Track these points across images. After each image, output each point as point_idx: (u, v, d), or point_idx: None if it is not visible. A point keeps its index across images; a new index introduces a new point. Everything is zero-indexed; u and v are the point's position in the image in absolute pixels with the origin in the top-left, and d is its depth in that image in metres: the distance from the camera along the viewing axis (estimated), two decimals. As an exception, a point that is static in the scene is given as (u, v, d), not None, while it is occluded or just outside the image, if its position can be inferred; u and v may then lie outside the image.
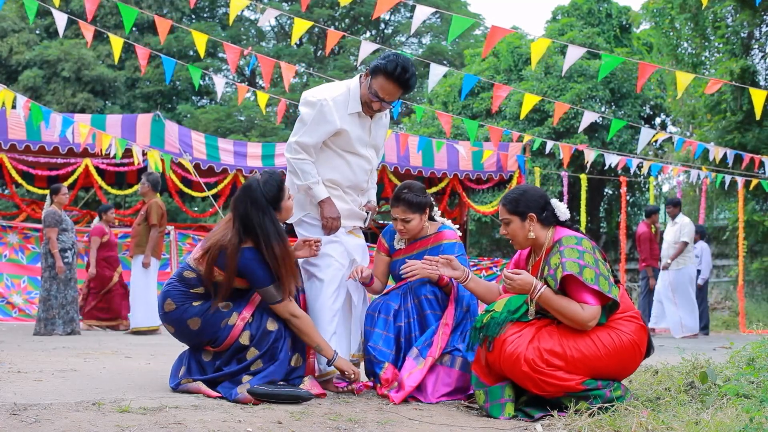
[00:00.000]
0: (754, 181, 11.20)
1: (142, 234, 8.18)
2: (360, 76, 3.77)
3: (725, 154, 9.87)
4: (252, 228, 3.42)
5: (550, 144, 10.28)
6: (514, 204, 3.38)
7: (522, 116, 8.61)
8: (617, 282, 3.29)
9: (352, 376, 3.54)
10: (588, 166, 10.88)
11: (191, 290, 3.46)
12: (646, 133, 8.76)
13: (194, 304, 3.44)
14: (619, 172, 15.38)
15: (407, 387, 3.46)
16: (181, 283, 3.48)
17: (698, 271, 10.89)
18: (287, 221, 3.70)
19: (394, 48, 26.14)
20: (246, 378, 3.34)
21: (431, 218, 3.92)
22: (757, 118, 7.40)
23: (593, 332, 3.18)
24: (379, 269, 3.93)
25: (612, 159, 10.82)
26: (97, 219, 9.26)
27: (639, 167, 11.00)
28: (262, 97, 8.83)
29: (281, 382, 3.37)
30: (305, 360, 3.57)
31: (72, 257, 7.96)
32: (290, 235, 3.61)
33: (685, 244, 9.78)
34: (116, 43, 7.20)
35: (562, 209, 3.39)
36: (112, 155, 8.95)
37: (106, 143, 8.56)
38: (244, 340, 3.40)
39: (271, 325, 3.43)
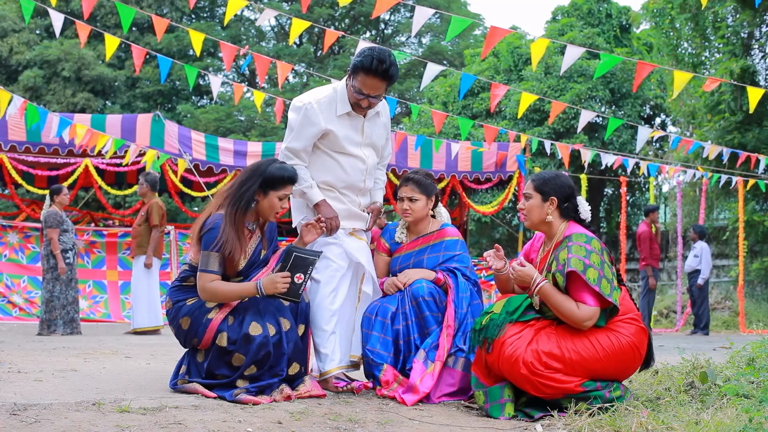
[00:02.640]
0: (751, 181, 11.22)
1: (143, 234, 8.19)
2: (345, 78, 3.78)
3: (721, 152, 9.90)
4: (232, 187, 3.44)
5: (547, 144, 10.29)
6: (542, 182, 3.39)
7: (519, 115, 8.60)
8: (621, 284, 3.29)
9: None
10: (585, 165, 10.88)
11: (184, 283, 3.47)
12: (643, 132, 8.77)
13: (188, 302, 3.42)
14: (620, 172, 15.38)
15: (421, 391, 3.45)
16: (178, 279, 3.52)
17: (698, 271, 10.89)
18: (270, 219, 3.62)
19: (394, 48, 26.14)
20: (240, 383, 3.30)
21: (433, 216, 3.94)
22: (750, 111, 7.42)
23: (592, 334, 3.18)
24: (379, 269, 3.93)
25: (609, 159, 10.83)
26: None
27: (637, 165, 11.01)
28: (259, 96, 8.83)
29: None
30: (303, 366, 3.54)
31: (73, 257, 7.98)
32: (292, 235, 3.58)
33: None
34: (111, 42, 7.18)
35: (584, 207, 3.39)
36: (104, 152, 8.93)
37: (102, 143, 8.56)
38: (221, 341, 3.30)
39: (254, 330, 3.30)
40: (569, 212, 3.38)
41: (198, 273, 3.36)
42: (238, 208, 3.39)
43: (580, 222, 3.39)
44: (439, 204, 4.00)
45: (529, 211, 3.41)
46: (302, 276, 3.31)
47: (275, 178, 3.45)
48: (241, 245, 3.42)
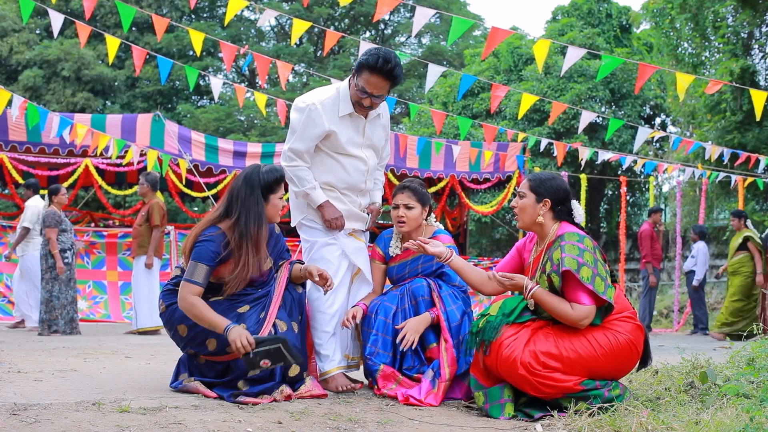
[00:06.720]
0: (749, 179, 11.22)
1: (143, 234, 8.19)
2: (349, 78, 3.78)
3: (722, 152, 9.90)
4: (234, 204, 3.39)
5: (544, 143, 10.28)
6: (537, 183, 3.38)
7: (520, 116, 8.60)
8: (614, 282, 3.29)
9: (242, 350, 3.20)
10: (583, 164, 10.88)
11: (177, 288, 3.45)
12: (642, 132, 8.79)
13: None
14: (620, 172, 15.37)
15: (425, 405, 3.44)
16: (171, 282, 3.51)
17: (693, 272, 10.88)
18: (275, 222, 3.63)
19: (394, 48, 26.14)
20: (242, 384, 3.30)
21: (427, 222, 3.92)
22: (758, 119, 7.40)
23: (589, 333, 3.19)
24: (375, 277, 3.92)
25: (606, 156, 10.84)
26: None
27: (634, 162, 11.02)
28: (260, 99, 8.81)
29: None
30: (303, 368, 3.53)
31: (71, 257, 7.97)
32: (291, 235, 3.58)
33: (27, 230, 8.45)
34: (112, 43, 7.16)
35: (578, 212, 3.38)
36: (108, 154, 8.92)
37: (104, 143, 8.55)
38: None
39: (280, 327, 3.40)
40: (562, 215, 3.37)
41: (183, 282, 3.29)
42: (259, 226, 3.36)
43: (573, 223, 3.39)
44: (432, 215, 3.95)
45: (521, 210, 3.39)
46: (268, 363, 3.18)
47: (271, 181, 3.46)
48: (261, 266, 3.40)
